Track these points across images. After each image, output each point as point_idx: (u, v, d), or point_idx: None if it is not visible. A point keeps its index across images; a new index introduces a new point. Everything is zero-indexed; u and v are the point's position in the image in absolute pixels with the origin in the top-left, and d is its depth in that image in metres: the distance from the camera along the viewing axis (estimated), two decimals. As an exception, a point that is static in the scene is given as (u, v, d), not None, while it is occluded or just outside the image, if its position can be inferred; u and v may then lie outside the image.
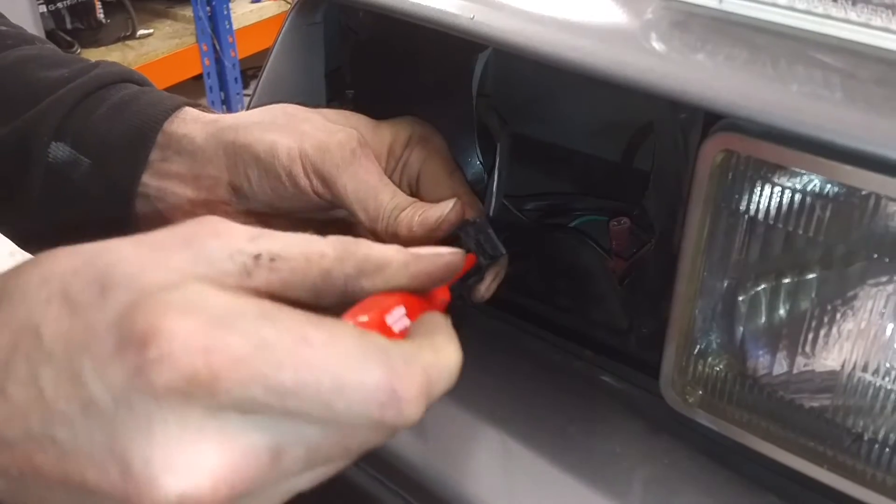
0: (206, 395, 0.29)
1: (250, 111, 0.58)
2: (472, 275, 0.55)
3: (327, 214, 0.58)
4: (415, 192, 0.59)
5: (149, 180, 0.56)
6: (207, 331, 0.29)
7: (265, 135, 0.54)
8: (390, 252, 0.38)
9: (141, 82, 0.62)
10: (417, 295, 0.40)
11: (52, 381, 0.30)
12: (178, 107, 0.57)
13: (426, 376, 0.32)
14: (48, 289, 0.31)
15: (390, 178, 0.56)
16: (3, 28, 0.64)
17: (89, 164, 0.56)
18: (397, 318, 0.37)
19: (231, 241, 0.33)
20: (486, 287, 0.56)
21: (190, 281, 0.31)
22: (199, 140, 0.55)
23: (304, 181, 0.53)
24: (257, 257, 0.33)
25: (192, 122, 0.56)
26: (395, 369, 0.31)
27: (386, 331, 0.36)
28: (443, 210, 0.53)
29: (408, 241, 0.52)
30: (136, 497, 0.29)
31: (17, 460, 0.31)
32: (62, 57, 0.63)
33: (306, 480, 0.34)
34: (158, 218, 0.58)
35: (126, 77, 0.61)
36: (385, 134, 0.59)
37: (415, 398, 0.31)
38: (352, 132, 0.54)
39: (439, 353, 0.34)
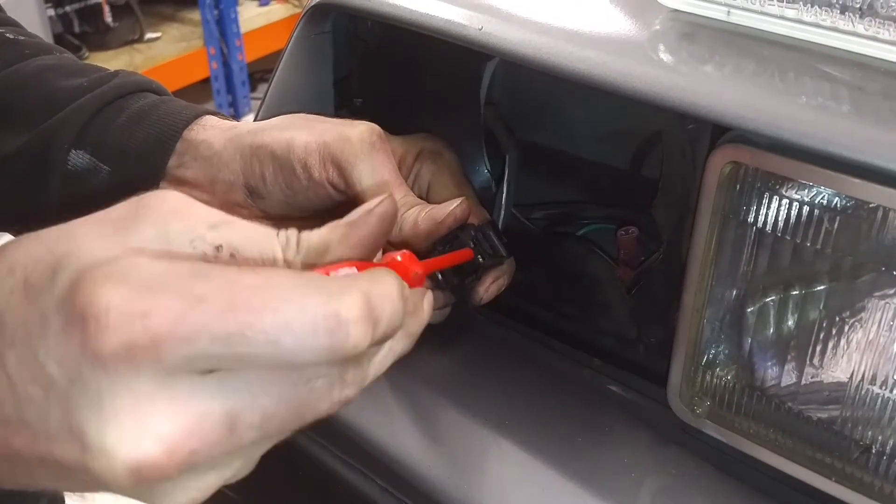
0: (151, 359, 0.29)
1: (271, 119, 0.58)
2: (470, 273, 0.55)
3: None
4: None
5: (166, 187, 0.57)
6: (142, 296, 0.29)
7: (283, 133, 0.55)
8: (325, 232, 0.37)
9: (159, 91, 0.63)
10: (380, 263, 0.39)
11: (15, 365, 0.31)
12: (198, 115, 0.58)
13: (366, 299, 0.31)
14: (13, 279, 0.32)
15: None
16: (22, 38, 0.65)
17: (108, 171, 0.57)
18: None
19: (192, 224, 0.33)
20: (485, 289, 0.56)
21: (127, 253, 0.31)
22: (216, 146, 0.56)
23: (318, 172, 0.54)
24: (218, 248, 0.33)
25: (212, 129, 0.58)
26: (334, 295, 0.31)
27: None
28: (450, 206, 0.54)
29: (412, 238, 0.54)
30: (95, 469, 0.30)
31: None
32: (81, 66, 0.64)
33: (261, 449, 0.34)
34: None
35: (145, 87, 0.62)
36: (397, 146, 0.59)
37: (358, 318, 0.31)
38: (374, 126, 0.55)
39: (377, 280, 0.33)
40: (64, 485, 0.33)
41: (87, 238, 0.32)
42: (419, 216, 0.54)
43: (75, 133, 0.57)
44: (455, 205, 0.54)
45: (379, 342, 0.33)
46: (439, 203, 0.56)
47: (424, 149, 0.60)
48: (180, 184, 0.57)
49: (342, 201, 0.56)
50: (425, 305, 0.39)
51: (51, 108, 0.58)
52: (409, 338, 0.38)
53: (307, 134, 0.55)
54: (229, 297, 0.30)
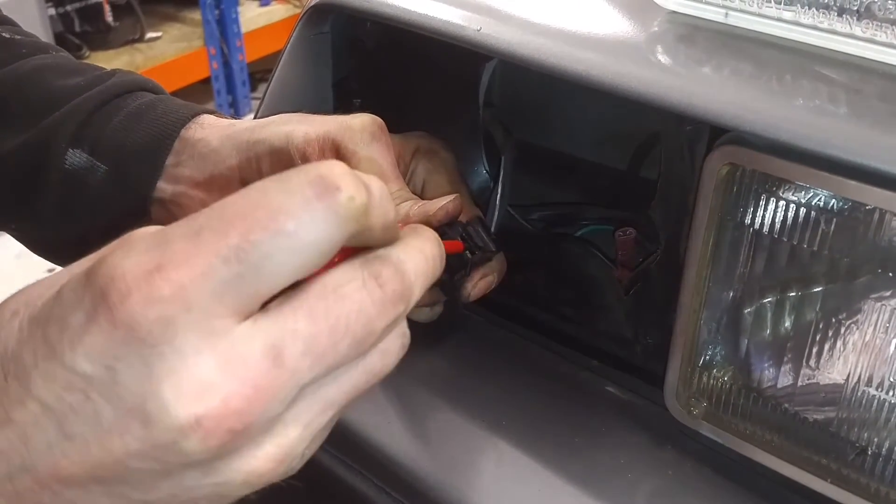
0: (181, 308, 0.29)
1: (270, 117, 0.59)
2: (459, 269, 0.54)
3: None
4: None
5: (164, 185, 0.57)
6: (150, 253, 0.29)
7: (282, 127, 0.55)
8: None
9: (156, 91, 0.63)
10: None
11: (43, 386, 0.30)
12: (196, 114, 0.58)
13: (341, 165, 0.31)
14: (17, 318, 0.32)
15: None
16: (18, 37, 0.65)
17: (106, 170, 0.57)
18: None
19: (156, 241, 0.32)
20: (473, 284, 0.56)
21: (111, 247, 0.31)
22: (214, 143, 0.57)
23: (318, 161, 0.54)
24: None
25: (209, 128, 0.58)
26: (312, 166, 0.31)
27: None
28: (442, 201, 0.53)
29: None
30: (165, 439, 0.29)
31: (42, 478, 0.31)
32: (78, 65, 0.64)
33: (338, 388, 0.34)
34: (173, 222, 0.58)
35: (142, 86, 0.62)
36: (395, 144, 0.59)
37: (343, 171, 0.31)
38: (376, 117, 0.56)
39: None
40: (154, 493, 0.32)
41: (75, 264, 0.32)
42: (411, 210, 0.54)
43: (73, 132, 0.57)
44: (447, 200, 0.54)
45: (379, 213, 0.32)
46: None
47: (421, 147, 0.60)
48: (179, 181, 0.57)
49: None
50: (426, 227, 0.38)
51: (48, 107, 0.58)
52: (430, 240, 0.37)
53: (307, 126, 0.55)
54: (222, 217, 0.30)
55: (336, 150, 0.54)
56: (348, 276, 0.32)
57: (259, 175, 0.55)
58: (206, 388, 0.29)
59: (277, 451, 0.32)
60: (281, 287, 0.31)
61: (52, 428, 0.30)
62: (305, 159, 0.54)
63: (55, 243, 0.62)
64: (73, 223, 0.59)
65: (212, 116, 0.59)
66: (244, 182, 0.56)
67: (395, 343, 0.35)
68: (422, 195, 0.59)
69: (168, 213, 0.58)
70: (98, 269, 0.29)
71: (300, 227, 0.30)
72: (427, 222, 0.53)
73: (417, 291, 0.35)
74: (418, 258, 0.35)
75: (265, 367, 0.30)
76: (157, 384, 0.29)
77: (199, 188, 0.57)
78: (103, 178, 0.57)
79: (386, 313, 0.33)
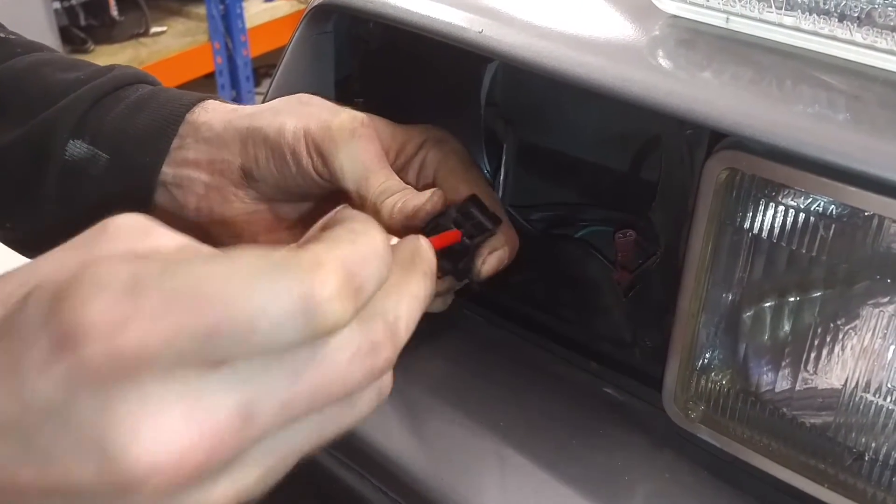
0: (144, 364, 0.28)
1: (270, 102, 0.59)
2: (463, 256, 0.54)
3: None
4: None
5: (167, 169, 0.58)
6: (119, 302, 0.28)
7: (276, 118, 0.56)
8: None
9: (155, 84, 0.63)
10: None
11: (5, 398, 0.29)
12: (202, 99, 0.59)
13: (344, 269, 0.29)
14: None
15: (404, 176, 0.57)
16: (12, 37, 0.65)
17: (107, 158, 0.58)
18: None
19: (156, 243, 0.32)
20: (482, 262, 0.55)
21: (96, 260, 0.30)
22: (217, 127, 0.57)
23: (306, 160, 0.55)
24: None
25: (213, 112, 0.59)
26: (307, 272, 0.29)
27: None
28: (420, 200, 0.53)
29: (389, 227, 0.53)
30: (116, 477, 0.28)
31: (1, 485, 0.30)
32: (75, 61, 0.65)
33: (304, 438, 0.33)
34: (174, 205, 0.59)
35: (142, 79, 0.62)
36: (399, 134, 0.60)
37: (333, 295, 0.29)
38: (357, 114, 0.56)
39: (355, 241, 0.31)
40: None
41: (52, 260, 0.32)
42: (394, 209, 0.53)
43: (73, 123, 0.58)
44: (425, 199, 0.53)
45: (366, 304, 0.31)
46: (447, 189, 0.56)
47: (429, 137, 0.60)
48: (182, 165, 0.58)
49: (331, 189, 0.56)
50: (422, 243, 0.37)
51: (48, 100, 0.59)
52: (425, 278, 0.35)
53: (297, 119, 0.55)
54: (200, 291, 0.28)
55: (319, 152, 0.55)
56: (345, 344, 0.31)
57: (256, 164, 0.56)
58: (167, 435, 0.28)
59: (233, 491, 0.31)
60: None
61: (13, 441, 0.29)
62: (296, 156, 0.55)
63: (54, 236, 0.62)
64: (73, 215, 0.59)
65: (216, 101, 0.60)
66: (243, 168, 0.57)
67: (372, 395, 0.34)
68: (435, 184, 0.59)
69: (170, 195, 0.58)
70: (65, 304, 0.28)
71: (275, 333, 0.28)
72: (412, 224, 0.53)
73: (404, 343, 0.34)
74: (413, 308, 0.34)
75: (234, 426, 0.29)
76: (117, 424, 0.28)
77: (202, 170, 0.58)
78: (105, 167, 0.58)
79: (372, 377, 0.32)
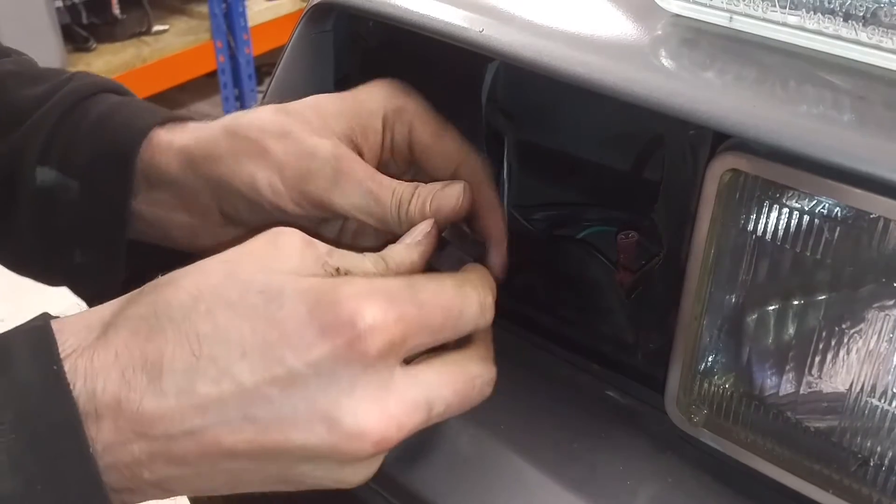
0: (400, 352, 0.41)
1: (213, 124, 0.55)
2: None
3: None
4: (412, 165, 0.58)
5: (141, 206, 0.56)
6: (391, 306, 0.40)
7: (241, 168, 0.52)
8: (402, 250, 0.48)
9: (118, 91, 0.61)
10: None
11: (249, 372, 0.38)
12: (149, 128, 0.55)
13: (488, 287, 0.47)
14: (205, 303, 0.39)
15: (385, 170, 0.54)
16: None
17: (78, 185, 0.56)
18: None
19: (318, 253, 0.43)
20: (494, 266, 0.55)
21: (341, 277, 0.42)
22: (174, 171, 0.55)
23: (293, 208, 0.52)
24: (337, 269, 0.43)
25: (165, 152, 0.55)
26: (479, 290, 0.46)
27: None
28: (452, 202, 0.51)
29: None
30: (344, 444, 0.39)
31: (202, 445, 0.38)
32: (40, 71, 0.63)
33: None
34: (158, 234, 0.58)
35: (101, 87, 0.60)
36: (359, 120, 0.56)
37: (491, 303, 0.47)
38: (328, 147, 0.52)
39: (484, 275, 0.49)
40: (292, 471, 0.41)
41: (254, 268, 0.41)
42: (425, 207, 0.51)
43: (38, 149, 0.56)
44: (459, 200, 0.51)
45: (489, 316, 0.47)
46: (427, 163, 0.56)
47: (387, 110, 0.56)
48: (156, 205, 0.56)
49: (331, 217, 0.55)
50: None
51: (13, 120, 0.57)
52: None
53: (266, 168, 0.52)
54: (433, 303, 0.42)
55: (310, 201, 0.52)
56: (478, 372, 0.46)
57: (237, 212, 0.54)
58: (389, 415, 0.40)
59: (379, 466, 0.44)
60: None
61: (235, 407, 0.38)
62: (281, 209, 0.52)
63: (33, 259, 0.61)
64: (49, 238, 0.58)
65: (162, 132, 0.56)
66: (223, 213, 0.55)
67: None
68: (413, 160, 0.57)
69: (150, 226, 0.57)
70: (346, 304, 0.39)
71: (468, 326, 0.45)
72: (448, 220, 0.52)
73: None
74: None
75: (421, 414, 0.42)
76: (355, 404, 0.39)
77: (178, 211, 0.56)
78: (76, 194, 0.56)
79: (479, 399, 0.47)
